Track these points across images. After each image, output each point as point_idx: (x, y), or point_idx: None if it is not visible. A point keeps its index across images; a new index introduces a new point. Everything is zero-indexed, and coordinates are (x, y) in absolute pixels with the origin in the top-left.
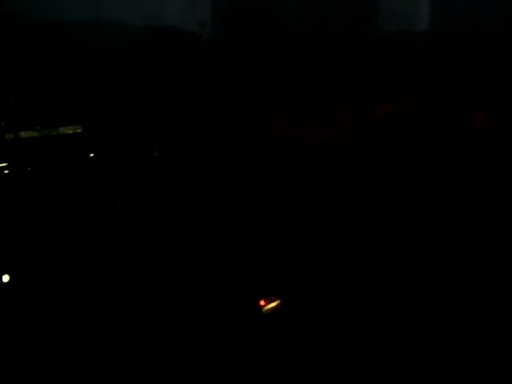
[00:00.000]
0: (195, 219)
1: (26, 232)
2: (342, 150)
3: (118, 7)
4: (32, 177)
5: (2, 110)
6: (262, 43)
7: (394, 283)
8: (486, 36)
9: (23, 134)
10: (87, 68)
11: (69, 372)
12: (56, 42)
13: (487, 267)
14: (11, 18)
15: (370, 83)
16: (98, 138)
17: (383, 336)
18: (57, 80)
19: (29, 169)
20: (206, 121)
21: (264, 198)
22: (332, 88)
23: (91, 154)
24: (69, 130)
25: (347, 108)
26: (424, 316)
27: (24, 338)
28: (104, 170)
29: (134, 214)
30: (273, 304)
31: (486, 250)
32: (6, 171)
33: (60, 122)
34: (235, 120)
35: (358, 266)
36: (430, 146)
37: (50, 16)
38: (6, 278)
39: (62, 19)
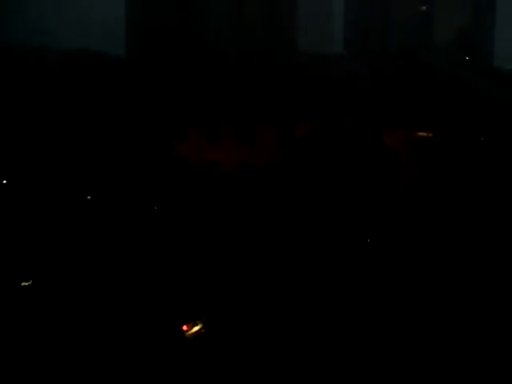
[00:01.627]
0: (110, 245)
1: None
2: (261, 172)
3: (36, 31)
4: None
5: None
6: (181, 65)
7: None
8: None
9: None
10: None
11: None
12: None
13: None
14: None
15: (288, 105)
16: (11, 160)
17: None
18: None
19: None
20: (128, 143)
21: (179, 221)
22: (251, 110)
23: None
24: None
25: (266, 130)
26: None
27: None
28: (16, 194)
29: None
30: (196, 328)
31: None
32: None
33: None
34: (151, 143)
35: (274, 287)
36: (346, 164)
37: None
38: None
39: None
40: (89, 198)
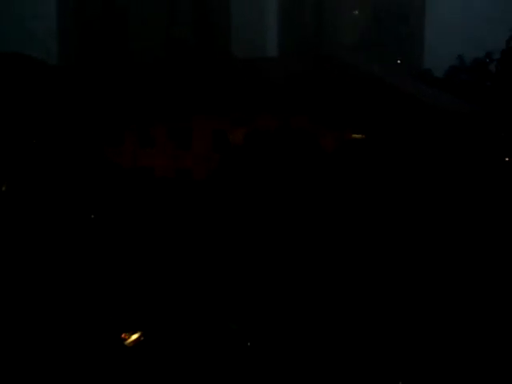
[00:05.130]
0: (41, 252)
1: None
2: (193, 178)
3: None
4: None
5: None
6: (112, 69)
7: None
8: (332, 60)
9: None
10: None
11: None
12: None
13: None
14: None
15: (223, 108)
16: None
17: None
18: None
19: None
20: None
21: (113, 227)
22: (184, 114)
23: None
24: None
25: (200, 135)
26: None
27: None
28: None
29: None
30: (134, 336)
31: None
32: None
33: None
34: (82, 148)
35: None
36: (283, 167)
37: None
38: None
39: None
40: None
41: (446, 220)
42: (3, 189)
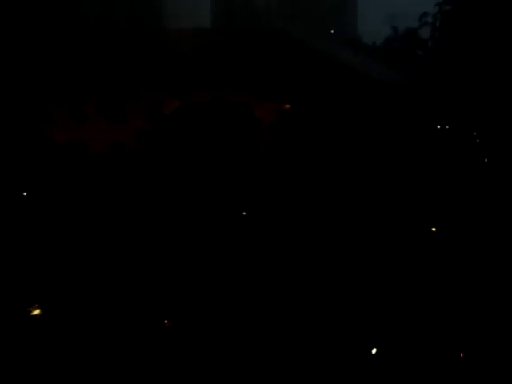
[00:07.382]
0: None
1: None
2: (129, 151)
3: None
4: None
5: None
6: (43, 40)
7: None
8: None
9: None
10: None
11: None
12: None
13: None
14: None
15: (156, 81)
16: None
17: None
18: None
19: None
20: None
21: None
22: (119, 88)
23: None
24: None
25: (135, 108)
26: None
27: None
28: None
29: None
30: (35, 312)
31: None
32: None
33: None
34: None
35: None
36: (220, 138)
37: None
38: None
39: None
40: None
41: (380, 191)
42: None
